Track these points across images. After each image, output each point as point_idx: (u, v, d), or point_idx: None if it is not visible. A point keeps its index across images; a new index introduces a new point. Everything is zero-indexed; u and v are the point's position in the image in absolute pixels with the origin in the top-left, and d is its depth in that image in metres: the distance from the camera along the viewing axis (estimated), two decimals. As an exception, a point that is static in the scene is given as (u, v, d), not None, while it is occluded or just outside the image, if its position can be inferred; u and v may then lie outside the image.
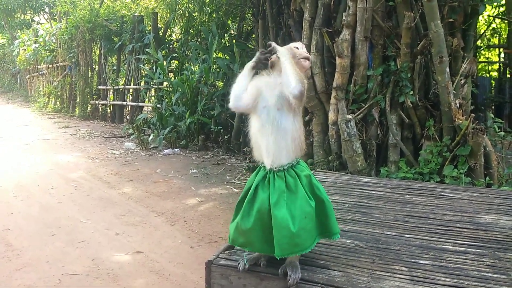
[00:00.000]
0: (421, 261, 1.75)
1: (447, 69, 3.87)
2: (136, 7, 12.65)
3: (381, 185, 2.99)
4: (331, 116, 4.57)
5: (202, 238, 3.58)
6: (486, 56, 12.71)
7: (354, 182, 3.05)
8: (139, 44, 10.53)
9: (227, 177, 5.71)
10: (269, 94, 1.63)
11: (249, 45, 8.79)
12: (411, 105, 4.12)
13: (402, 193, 2.79)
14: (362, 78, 4.41)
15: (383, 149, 4.44)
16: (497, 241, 1.97)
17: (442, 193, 2.75)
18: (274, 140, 1.61)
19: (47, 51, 14.97)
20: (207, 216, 4.16)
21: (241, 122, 7.47)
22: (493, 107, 10.33)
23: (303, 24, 4.86)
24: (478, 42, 9.12)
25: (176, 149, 7.44)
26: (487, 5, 4.06)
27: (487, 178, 3.80)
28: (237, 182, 5.50)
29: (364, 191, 2.83)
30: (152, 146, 7.73)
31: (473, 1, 4.10)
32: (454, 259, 1.77)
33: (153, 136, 8.05)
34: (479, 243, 1.94)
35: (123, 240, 3.56)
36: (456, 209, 2.44)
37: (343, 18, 4.36)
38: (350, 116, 4.34)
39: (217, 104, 7.78)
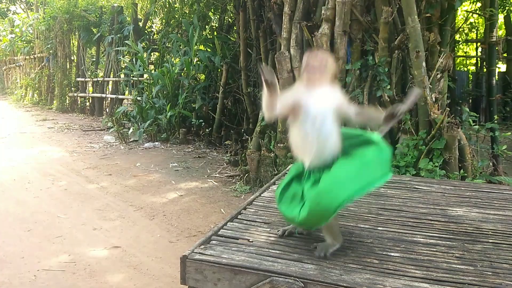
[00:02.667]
0: (392, 254, 1.78)
1: (424, 64, 3.93)
2: (116, -3, 12.42)
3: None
4: (311, 109, 4.60)
5: (181, 232, 3.58)
6: (464, 50, 12.98)
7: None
8: (118, 35, 10.36)
9: (208, 171, 5.71)
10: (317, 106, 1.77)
11: (231, 38, 8.74)
12: (388, 99, 4.17)
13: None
14: (340, 72, 4.44)
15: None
16: (466, 233, 2.02)
17: (416, 186, 2.81)
18: (318, 143, 1.77)
19: (24, 42, 14.61)
20: (186, 210, 4.15)
21: (222, 116, 7.46)
22: (470, 101, 10.60)
23: (283, 17, 4.85)
24: (456, 37, 9.30)
25: (156, 143, 7.39)
26: (463, 0, 4.10)
27: (462, 171, 3.89)
28: (217, 175, 5.50)
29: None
30: (132, 139, 7.65)
31: (449, -3, 4.16)
32: (424, 251, 1.82)
33: (133, 129, 7.97)
34: (449, 236, 1.99)
35: (101, 235, 3.53)
36: (429, 202, 2.49)
37: (322, 12, 4.37)
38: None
39: (198, 97, 7.74)
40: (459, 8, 6.50)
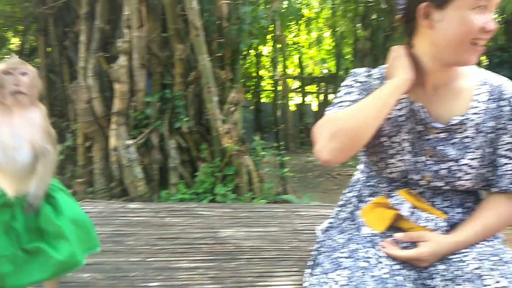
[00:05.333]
0: (152, 284, 1.85)
1: (215, 98, 4.31)
2: None
3: (147, 210, 3.07)
4: (112, 141, 4.50)
5: None
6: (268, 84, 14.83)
7: (120, 209, 3.04)
8: None
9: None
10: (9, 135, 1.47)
11: (33, 61, 7.94)
12: (187, 131, 4.42)
13: (163, 215, 2.92)
14: (141, 104, 4.51)
15: (165, 172, 4.60)
16: (227, 253, 2.24)
17: (200, 212, 3.00)
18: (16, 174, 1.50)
19: None
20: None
21: None
22: (273, 129, 12.08)
23: (80, 46, 4.68)
24: (261, 73, 10.56)
25: None
26: (247, 44, 4.69)
27: (251, 193, 4.36)
28: None
29: (127, 218, 2.85)
30: None
31: (237, 40, 4.70)
32: (183, 276, 1.94)
33: None
34: (211, 257, 2.18)
35: None
36: (206, 226, 2.69)
37: (119, 44, 4.39)
38: (130, 142, 4.37)
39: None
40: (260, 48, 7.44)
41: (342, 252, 1.46)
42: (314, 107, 13.62)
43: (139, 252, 2.23)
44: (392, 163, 1.48)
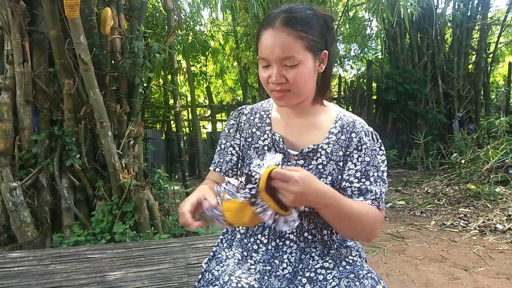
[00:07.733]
0: None
1: (109, 133, 4.18)
2: None
3: (30, 258, 2.84)
4: (-5, 185, 4.11)
5: None
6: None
7: (-3, 261, 2.78)
8: None
9: None
10: None
11: None
12: (80, 168, 4.20)
13: (48, 263, 2.73)
14: (28, 143, 4.21)
15: (57, 214, 4.31)
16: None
17: (89, 256, 2.86)
18: None
19: None
20: None
21: None
22: (188, 159, 12.02)
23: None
24: (171, 102, 10.51)
25: None
26: (141, 78, 4.66)
27: (153, 228, 4.25)
28: None
29: (5, 270, 2.61)
30: None
31: (132, 74, 4.65)
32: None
33: None
34: (94, 303, 2.09)
35: None
36: (93, 271, 2.57)
37: (0, 81, 4.09)
38: (15, 184, 4.03)
39: None
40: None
41: (214, 286, 1.54)
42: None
43: (12, 307, 2.06)
44: None
